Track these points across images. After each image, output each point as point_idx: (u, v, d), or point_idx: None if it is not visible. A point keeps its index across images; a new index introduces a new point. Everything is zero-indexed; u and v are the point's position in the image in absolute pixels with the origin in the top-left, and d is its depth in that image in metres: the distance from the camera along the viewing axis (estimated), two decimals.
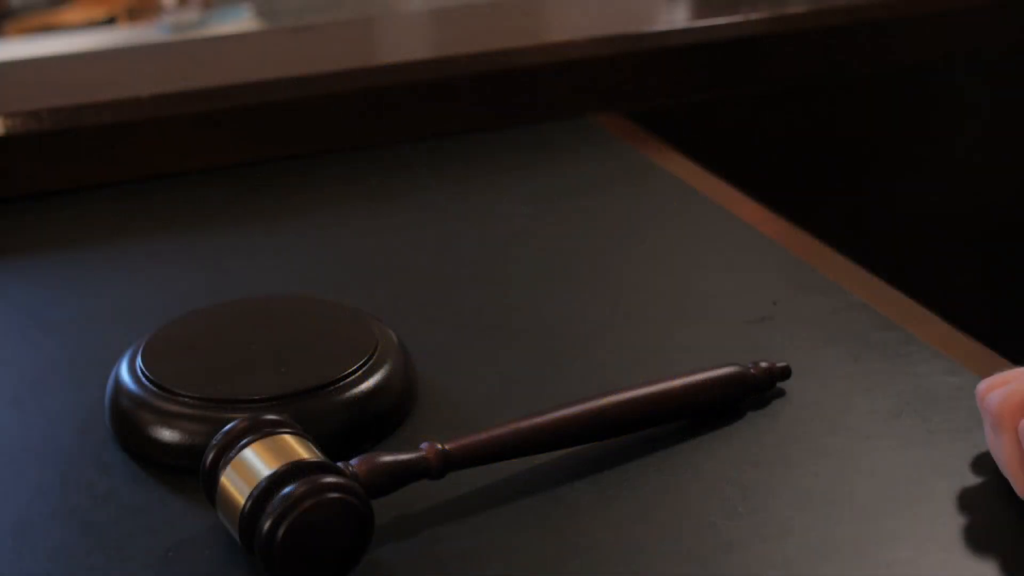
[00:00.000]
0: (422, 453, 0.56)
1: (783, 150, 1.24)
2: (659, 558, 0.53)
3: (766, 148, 1.23)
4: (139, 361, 0.64)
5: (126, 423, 0.62)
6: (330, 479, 0.52)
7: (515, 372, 0.69)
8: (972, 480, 0.58)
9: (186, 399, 0.61)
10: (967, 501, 0.56)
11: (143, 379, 0.63)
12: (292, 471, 0.52)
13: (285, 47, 1.22)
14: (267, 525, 0.51)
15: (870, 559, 0.53)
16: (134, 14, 3.14)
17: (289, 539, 0.51)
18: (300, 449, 0.55)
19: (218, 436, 0.55)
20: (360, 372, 0.63)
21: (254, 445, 0.54)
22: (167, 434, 0.60)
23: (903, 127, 1.29)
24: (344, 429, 0.61)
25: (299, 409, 0.60)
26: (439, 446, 0.57)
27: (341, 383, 0.62)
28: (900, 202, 1.30)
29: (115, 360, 0.66)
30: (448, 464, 0.57)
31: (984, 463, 0.59)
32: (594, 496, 0.58)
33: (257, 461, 0.54)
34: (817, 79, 1.22)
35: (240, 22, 2.87)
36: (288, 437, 0.55)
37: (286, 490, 0.51)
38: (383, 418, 0.63)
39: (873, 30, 1.22)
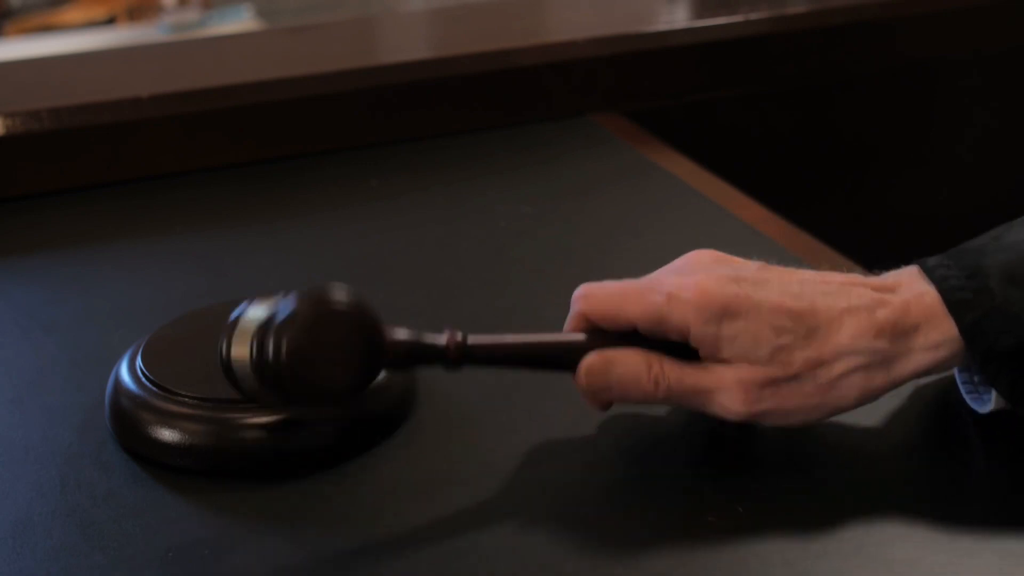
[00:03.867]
0: (443, 339, 0.57)
1: (783, 150, 1.24)
2: (659, 558, 0.53)
3: (766, 148, 1.23)
4: (139, 361, 0.64)
5: (126, 423, 0.62)
6: (334, 294, 0.52)
7: (515, 372, 0.69)
8: (972, 480, 0.58)
9: (186, 399, 0.61)
10: (967, 501, 0.56)
11: (143, 379, 0.63)
12: (289, 298, 0.52)
13: (285, 47, 1.23)
14: (271, 346, 0.51)
15: (870, 559, 0.53)
16: (134, 14, 3.14)
17: (296, 356, 0.50)
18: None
19: (224, 330, 0.56)
20: None
21: (251, 306, 0.55)
22: (167, 434, 0.60)
23: (903, 127, 1.29)
24: (344, 429, 0.61)
25: (299, 409, 0.60)
26: (459, 337, 0.57)
27: None
28: (900, 202, 1.30)
29: (115, 360, 0.66)
30: (465, 356, 0.57)
31: (985, 463, 0.59)
32: (594, 496, 0.58)
33: (257, 310, 0.54)
34: (817, 79, 1.22)
35: (240, 22, 2.87)
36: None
37: (286, 311, 0.51)
38: (383, 418, 0.63)
39: (873, 30, 1.22)
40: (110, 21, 3.12)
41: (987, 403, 0.61)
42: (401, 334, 0.57)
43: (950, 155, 1.31)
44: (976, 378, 0.62)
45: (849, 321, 0.57)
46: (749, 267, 0.59)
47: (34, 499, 0.59)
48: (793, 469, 0.59)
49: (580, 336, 0.60)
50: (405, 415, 0.65)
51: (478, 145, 1.06)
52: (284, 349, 0.52)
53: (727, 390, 0.57)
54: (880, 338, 0.57)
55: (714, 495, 0.57)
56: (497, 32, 1.20)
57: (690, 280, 0.57)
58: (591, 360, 0.59)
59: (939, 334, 0.57)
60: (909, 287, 0.58)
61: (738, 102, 1.19)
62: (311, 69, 1.06)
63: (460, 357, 0.58)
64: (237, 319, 0.56)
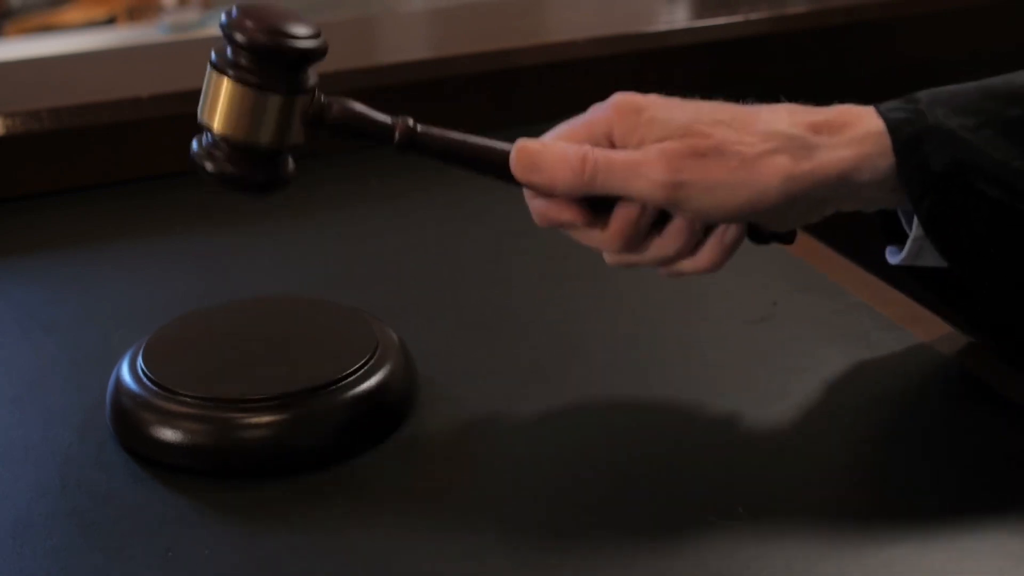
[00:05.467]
0: (394, 120, 0.60)
1: None
2: (659, 558, 0.53)
3: None
4: (140, 361, 0.64)
5: (127, 423, 0.62)
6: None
7: (515, 372, 0.69)
8: (973, 479, 0.58)
9: (187, 399, 0.61)
10: (967, 500, 0.56)
11: (144, 379, 0.63)
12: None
13: None
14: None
15: (870, 559, 0.53)
16: (134, 14, 3.14)
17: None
18: None
19: None
20: (360, 372, 0.63)
21: None
22: (168, 434, 0.60)
23: None
24: (344, 429, 0.61)
25: (300, 408, 0.60)
26: (411, 122, 0.60)
27: (342, 383, 0.62)
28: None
29: (115, 360, 0.66)
30: (411, 142, 0.60)
31: (986, 462, 0.59)
32: (594, 497, 0.58)
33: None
34: (817, 79, 1.22)
35: None
36: None
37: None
38: (383, 418, 0.63)
39: (873, 30, 1.22)
40: (110, 21, 3.12)
41: (898, 254, 0.63)
42: (353, 103, 0.60)
43: None
44: (899, 209, 0.63)
45: (780, 113, 0.58)
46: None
47: (34, 499, 0.59)
48: (793, 469, 0.59)
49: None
50: (405, 415, 0.65)
51: None
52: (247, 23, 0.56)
53: (651, 162, 0.57)
54: (807, 129, 0.58)
55: (714, 495, 0.57)
56: (497, 32, 1.20)
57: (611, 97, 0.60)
58: (523, 142, 0.61)
59: (864, 128, 0.58)
60: (852, 108, 0.59)
61: (738, 102, 1.19)
62: None
63: (408, 141, 0.60)
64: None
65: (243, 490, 0.59)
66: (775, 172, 0.57)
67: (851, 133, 0.58)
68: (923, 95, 0.59)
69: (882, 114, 0.58)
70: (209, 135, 0.59)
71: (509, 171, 0.60)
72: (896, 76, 1.26)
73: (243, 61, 0.57)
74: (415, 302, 0.78)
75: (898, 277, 0.75)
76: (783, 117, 0.58)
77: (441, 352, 0.71)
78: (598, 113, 0.60)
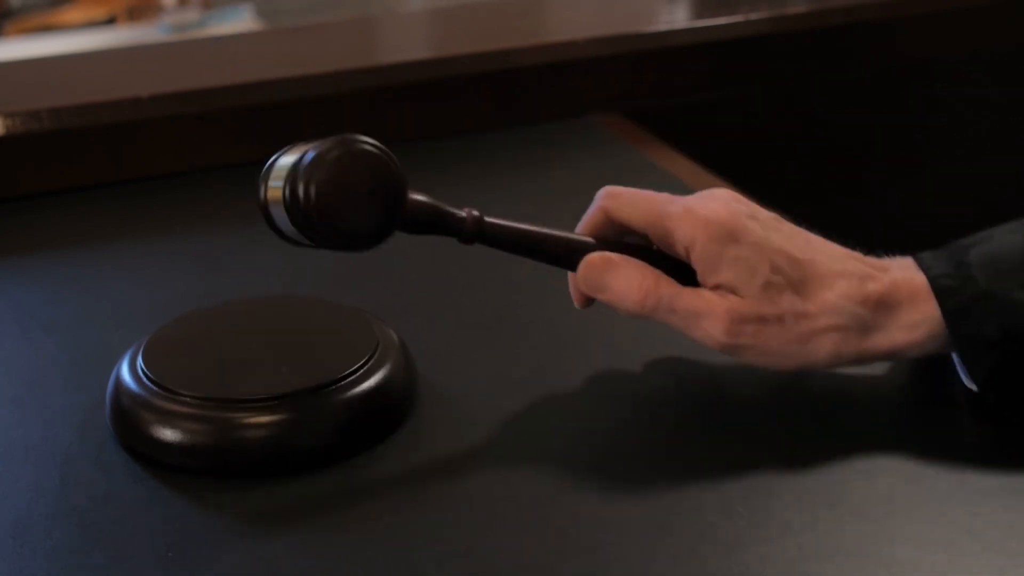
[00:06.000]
0: (462, 212, 0.60)
1: (783, 150, 1.24)
2: (659, 558, 0.53)
3: (766, 148, 1.23)
4: (140, 361, 0.64)
5: (127, 423, 0.62)
6: (361, 137, 0.55)
7: (515, 372, 0.69)
8: (973, 479, 0.58)
9: (187, 399, 0.61)
10: (967, 500, 0.56)
11: (144, 379, 0.63)
12: (319, 143, 0.55)
13: (285, 47, 1.23)
14: (301, 187, 0.54)
15: (870, 559, 0.53)
16: (134, 14, 3.14)
17: (322, 196, 0.54)
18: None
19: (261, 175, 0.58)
20: (360, 372, 0.63)
21: (288, 151, 0.58)
22: (168, 434, 0.60)
23: (903, 127, 1.29)
24: (344, 429, 0.61)
25: (300, 408, 0.60)
26: (476, 213, 0.60)
27: (342, 383, 0.62)
28: (901, 202, 1.30)
29: (115, 360, 0.66)
30: (480, 231, 0.60)
31: (985, 462, 0.59)
32: (594, 496, 0.58)
33: (288, 156, 0.57)
34: (817, 79, 1.22)
35: (240, 22, 2.87)
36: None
37: (314, 152, 0.55)
38: (383, 418, 0.63)
39: (873, 30, 1.23)
40: (110, 21, 3.13)
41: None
42: (423, 197, 0.59)
43: (949, 155, 1.31)
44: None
45: (841, 283, 0.60)
46: (767, 213, 0.63)
47: (34, 499, 0.59)
48: (793, 469, 0.59)
49: (590, 240, 0.63)
50: (405, 415, 0.65)
51: (478, 145, 1.07)
52: (312, 190, 0.54)
53: (714, 316, 0.60)
54: (864, 305, 0.60)
55: (714, 495, 0.57)
56: (497, 32, 1.20)
57: (711, 203, 0.61)
58: (592, 257, 0.62)
59: (919, 314, 0.60)
60: (900, 270, 0.61)
61: (738, 102, 1.20)
62: (311, 69, 1.06)
63: (476, 231, 0.60)
64: (273, 163, 0.58)
65: (243, 490, 0.59)
66: (827, 348, 0.60)
67: (906, 318, 0.60)
68: (974, 258, 0.60)
69: (935, 291, 0.59)
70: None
71: (573, 266, 0.63)
72: (896, 76, 1.26)
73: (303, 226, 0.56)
74: (415, 302, 0.78)
75: None
76: (843, 288, 0.60)
77: (441, 352, 0.71)
78: (684, 227, 0.60)
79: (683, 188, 0.95)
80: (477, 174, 1.01)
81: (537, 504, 0.57)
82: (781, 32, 1.18)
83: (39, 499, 0.59)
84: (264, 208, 0.59)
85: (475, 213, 0.61)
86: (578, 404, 0.65)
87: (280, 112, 1.03)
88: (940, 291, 0.59)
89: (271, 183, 0.58)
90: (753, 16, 1.17)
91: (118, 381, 0.64)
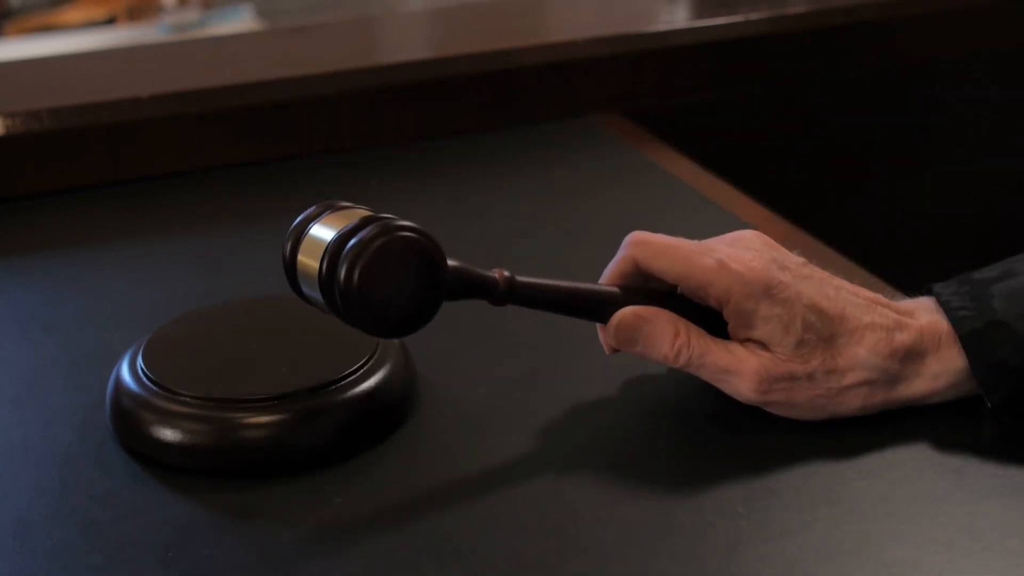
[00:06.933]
0: (494, 274, 0.59)
1: (783, 150, 1.24)
2: (659, 558, 0.53)
3: (766, 148, 1.23)
4: (140, 361, 0.64)
5: (127, 423, 0.62)
6: (401, 222, 0.54)
7: (516, 372, 0.69)
8: (973, 479, 0.58)
9: (187, 399, 0.61)
10: (967, 500, 0.56)
11: (144, 379, 0.63)
12: (361, 224, 0.54)
13: (285, 47, 1.23)
14: (343, 271, 0.53)
15: (870, 559, 0.53)
16: (134, 14, 3.14)
17: (367, 279, 0.53)
18: (366, 212, 0.57)
19: (292, 226, 0.58)
20: (360, 372, 0.63)
21: (323, 219, 0.57)
22: (168, 434, 0.60)
23: (904, 127, 1.29)
24: (344, 429, 0.61)
25: (300, 408, 0.60)
26: (507, 274, 0.60)
27: (342, 383, 0.62)
28: (901, 202, 1.30)
29: (115, 360, 0.66)
30: (512, 292, 0.60)
31: (985, 462, 0.59)
32: (594, 496, 0.58)
33: (327, 230, 0.56)
34: (817, 79, 1.22)
35: (240, 22, 2.87)
36: (356, 208, 0.57)
37: (357, 237, 0.53)
38: (383, 418, 0.63)
39: (873, 30, 1.23)
40: (110, 21, 3.13)
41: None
42: (455, 264, 0.59)
43: (949, 155, 1.31)
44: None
45: (870, 336, 0.60)
46: (794, 259, 0.62)
47: (34, 499, 0.59)
48: (793, 469, 0.59)
49: (617, 290, 0.62)
50: (405, 415, 0.65)
51: (478, 145, 1.07)
52: (356, 276, 0.54)
53: (745, 375, 0.60)
54: (893, 358, 0.60)
55: (714, 495, 0.57)
56: (497, 32, 1.20)
57: (743, 254, 0.60)
58: (624, 314, 0.61)
59: (941, 364, 0.61)
60: (925, 313, 0.62)
61: (738, 102, 1.20)
62: (311, 69, 1.06)
63: (508, 292, 0.60)
64: (306, 227, 0.58)
65: (243, 490, 0.59)
66: (855, 402, 0.61)
67: (932, 368, 0.61)
68: (996, 293, 0.60)
69: (960, 337, 0.60)
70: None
71: (604, 319, 0.62)
72: (896, 76, 1.26)
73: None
74: None
75: (898, 277, 0.75)
76: (872, 342, 0.60)
77: (441, 352, 0.71)
78: (719, 282, 0.60)
79: (683, 188, 0.96)
80: (477, 174, 1.01)
81: (537, 504, 0.57)
82: (781, 32, 1.18)
83: (39, 499, 0.59)
84: (289, 268, 0.58)
85: (506, 274, 0.60)
86: (578, 404, 0.65)
87: (280, 112, 1.03)
88: (965, 337, 0.60)
89: (302, 257, 0.57)
90: (753, 16, 1.17)
91: (118, 381, 0.64)
